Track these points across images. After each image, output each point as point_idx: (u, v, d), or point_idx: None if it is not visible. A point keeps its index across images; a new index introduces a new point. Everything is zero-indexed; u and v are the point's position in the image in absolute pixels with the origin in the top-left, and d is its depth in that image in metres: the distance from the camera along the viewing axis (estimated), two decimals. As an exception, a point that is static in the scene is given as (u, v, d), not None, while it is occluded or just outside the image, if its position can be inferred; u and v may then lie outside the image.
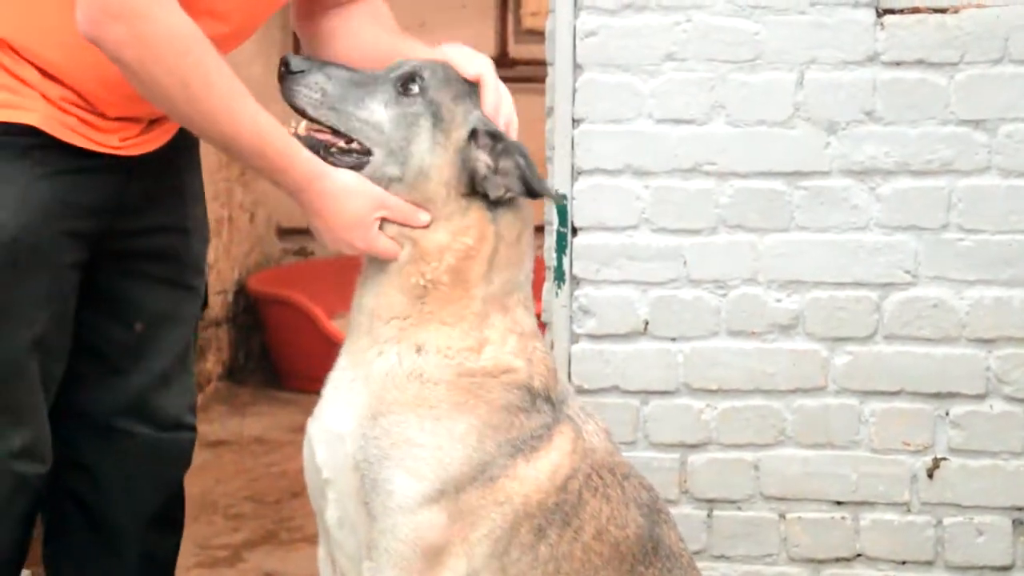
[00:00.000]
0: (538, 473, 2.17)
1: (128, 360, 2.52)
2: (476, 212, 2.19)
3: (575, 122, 3.34)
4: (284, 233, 6.84)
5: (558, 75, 3.33)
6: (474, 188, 2.19)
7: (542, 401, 2.20)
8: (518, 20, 6.82)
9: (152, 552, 2.60)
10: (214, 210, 5.57)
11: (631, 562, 2.24)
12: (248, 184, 6.41)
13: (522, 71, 5.91)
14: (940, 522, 3.33)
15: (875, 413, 3.33)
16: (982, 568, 3.33)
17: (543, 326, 3.29)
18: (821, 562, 3.38)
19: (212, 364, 6.06)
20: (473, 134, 2.20)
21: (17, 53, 2.27)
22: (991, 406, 3.30)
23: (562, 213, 3.34)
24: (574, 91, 3.33)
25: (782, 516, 3.37)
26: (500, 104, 2.25)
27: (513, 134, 2.24)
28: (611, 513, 2.23)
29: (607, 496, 2.23)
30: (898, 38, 3.26)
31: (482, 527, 2.14)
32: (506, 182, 2.19)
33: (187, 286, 2.56)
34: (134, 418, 2.53)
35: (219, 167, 5.80)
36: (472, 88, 2.24)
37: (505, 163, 2.19)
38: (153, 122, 2.40)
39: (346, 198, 2.16)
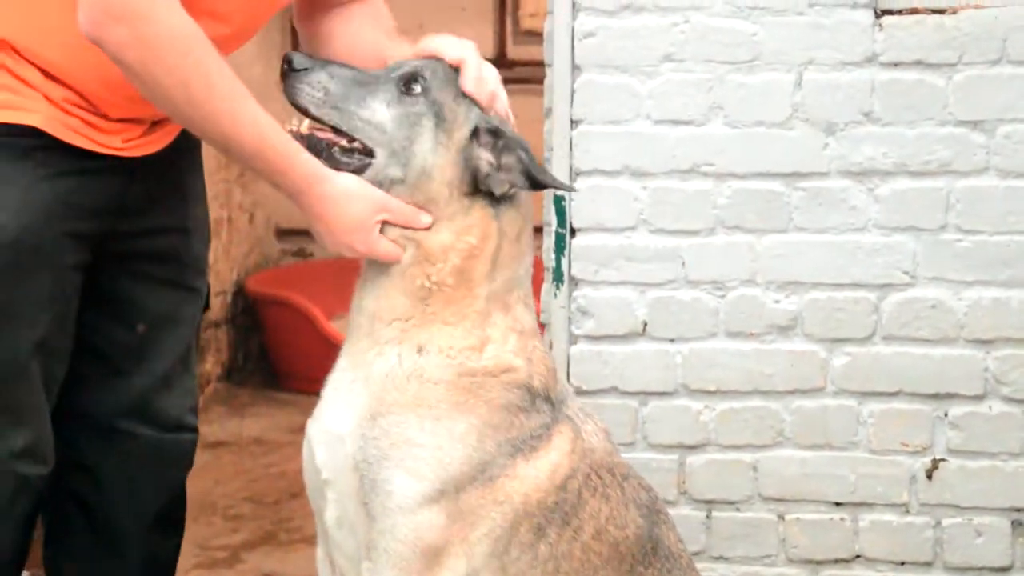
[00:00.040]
0: (538, 472, 2.17)
1: (130, 361, 2.52)
2: (479, 211, 2.19)
3: (573, 123, 3.34)
4: (283, 234, 6.84)
5: (556, 76, 3.33)
6: (476, 187, 2.19)
7: (541, 401, 2.21)
8: (516, 21, 6.82)
9: (154, 553, 2.61)
10: (213, 211, 5.55)
11: (630, 562, 2.24)
12: (247, 185, 6.41)
13: (520, 72, 5.91)
14: (939, 523, 3.34)
15: (874, 414, 3.33)
16: (981, 569, 3.33)
17: (542, 327, 3.29)
18: (820, 563, 3.38)
19: (211, 365, 6.06)
20: (475, 133, 2.20)
21: (19, 54, 2.27)
22: (990, 407, 3.31)
23: (560, 214, 3.34)
24: (572, 92, 3.33)
25: (781, 517, 3.37)
26: (482, 78, 2.23)
27: (501, 108, 2.23)
28: (610, 513, 2.23)
29: (606, 496, 2.23)
30: (896, 39, 3.27)
31: (482, 527, 2.14)
32: (510, 177, 2.19)
33: (189, 287, 2.56)
34: (136, 419, 2.53)
35: (218, 168, 5.80)
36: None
37: (507, 159, 2.19)
38: (156, 123, 2.40)
39: (347, 201, 2.16)
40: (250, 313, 6.44)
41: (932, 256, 3.29)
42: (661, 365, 3.36)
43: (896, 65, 3.27)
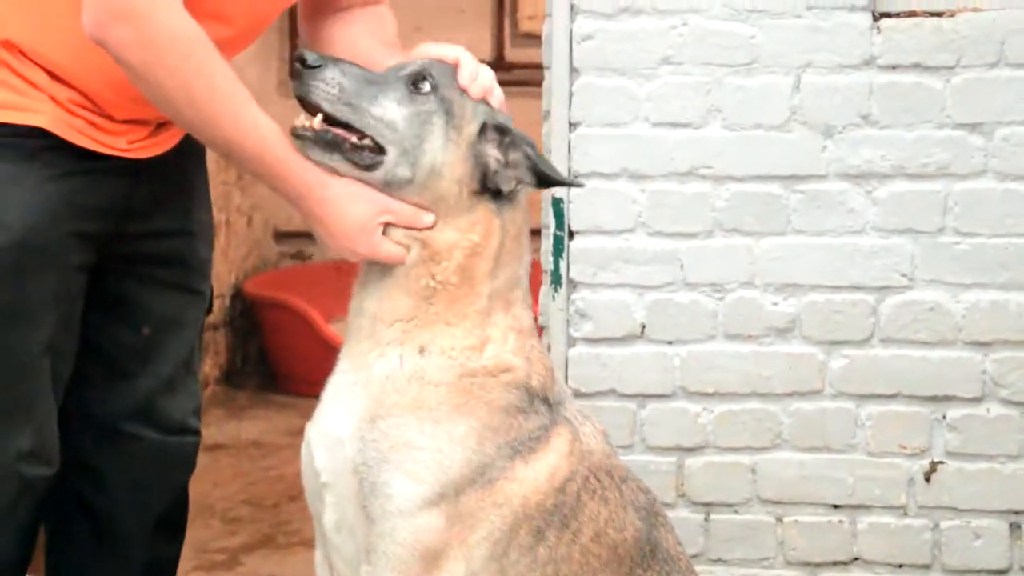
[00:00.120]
0: (536, 475, 2.17)
1: (135, 363, 2.52)
2: (482, 208, 2.19)
3: (572, 126, 3.34)
4: (281, 237, 6.84)
5: (555, 79, 3.33)
6: (483, 184, 2.19)
7: (539, 402, 2.20)
8: (515, 24, 6.82)
9: (156, 556, 2.61)
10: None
11: (629, 565, 2.24)
12: (245, 188, 6.41)
13: (519, 75, 5.91)
14: (937, 525, 3.34)
15: (872, 416, 3.34)
16: (979, 571, 3.33)
17: (540, 329, 3.29)
18: (818, 565, 3.38)
19: (209, 368, 6.06)
20: (482, 129, 2.20)
21: (25, 55, 2.28)
22: (988, 409, 3.31)
23: (559, 216, 3.34)
24: (571, 95, 3.33)
25: (779, 519, 3.37)
26: (478, 74, 2.23)
27: (496, 102, 2.24)
28: (609, 516, 2.23)
29: (605, 498, 2.23)
30: (894, 42, 3.27)
31: (480, 529, 2.14)
32: (516, 174, 2.19)
33: (193, 290, 2.56)
34: (140, 421, 2.53)
35: (217, 171, 5.79)
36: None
37: (514, 155, 2.19)
38: (161, 125, 2.41)
39: (348, 204, 2.15)
40: (248, 316, 6.44)
41: (930, 258, 3.29)
42: (659, 367, 3.36)
43: (894, 68, 3.28)
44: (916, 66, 3.27)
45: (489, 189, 2.19)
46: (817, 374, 3.34)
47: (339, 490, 2.18)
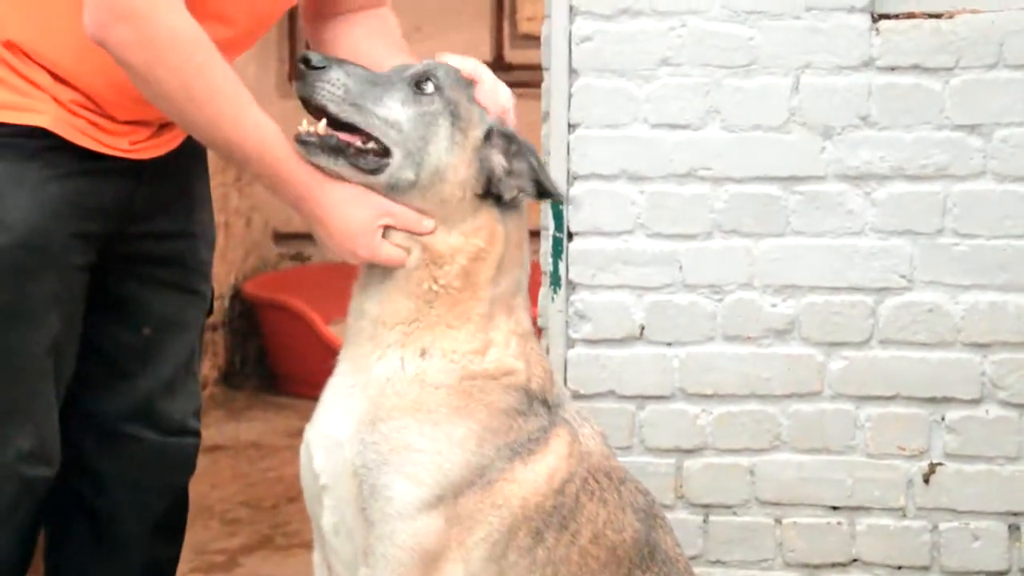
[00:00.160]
0: (536, 476, 2.17)
1: (136, 364, 2.52)
2: (486, 213, 2.19)
3: (571, 127, 3.34)
4: (280, 238, 6.84)
5: (554, 80, 3.33)
6: (487, 189, 2.19)
7: (538, 404, 2.21)
8: (514, 25, 6.82)
9: (155, 558, 2.61)
10: (210, 215, 5.57)
11: (628, 566, 2.24)
12: (244, 189, 6.42)
13: (518, 76, 5.87)
14: (936, 527, 3.34)
15: (871, 418, 3.33)
16: (978, 573, 3.33)
17: (539, 331, 3.29)
18: (817, 567, 3.38)
19: (208, 369, 6.06)
20: (488, 135, 2.19)
21: (28, 56, 2.28)
22: (986, 411, 3.31)
23: (558, 218, 3.34)
24: (570, 96, 3.33)
25: (778, 521, 3.37)
26: (497, 92, 2.24)
27: (511, 122, 2.24)
28: (608, 517, 2.23)
29: (604, 500, 2.23)
30: (893, 43, 3.27)
31: (479, 531, 2.14)
32: (519, 183, 2.19)
33: (194, 291, 2.57)
34: (141, 423, 2.53)
35: (215, 172, 5.76)
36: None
37: (519, 164, 2.19)
38: (163, 126, 2.41)
39: (348, 206, 2.15)
40: (247, 317, 6.45)
41: (929, 260, 3.29)
42: (658, 369, 3.36)
43: (893, 69, 3.28)
44: (915, 67, 3.27)
45: (492, 195, 2.19)
46: (816, 375, 3.34)
47: (338, 492, 2.17)
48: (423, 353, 2.17)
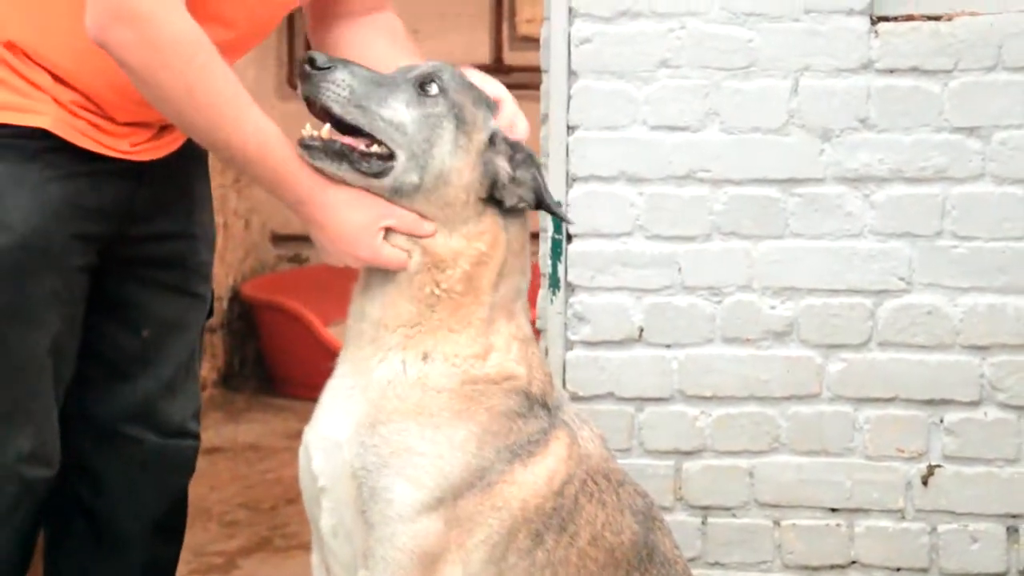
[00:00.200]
0: (535, 478, 2.17)
1: (136, 366, 2.52)
2: (489, 218, 2.19)
3: (570, 129, 3.34)
4: (279, 239, 6.85)
5: (553, 82, 3.33)
6: (490, 194, 2.18)
7: (539, 406, 2.20)
8: (513, 27, 6.82)
9: (155, 559, 2.61)
10: (209, 217, 5.57)
11: (627, 568, 2.24)
12: (243, 190, 6.42)
13: (517, 78, 5.88)
14: (934, 529, 3.34)
15: (869, 420, 3.34)
16: (976, 575, 3.33)
17: (538, 333, 3.29)
18: (815, 569, 3.38)
19: (207, 370, 6.06)
20: (492, 139, 2.19)
21: (29, 57, 2.28)
22: (985, 413, 3.31)
23: (557, 220, 3.34)
24: (569, 98, 3.33)
25: (776, 523, 3.37)
26: (516, 121, 2.24)
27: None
28: (607, 519, 2.23)
29: (603, 502, 2.23)
30: (892, 45, 3.27)
31: (479, 533, 2.14)
32: (520, 192, 2.19)
33: (194, 293, 2.56)
34: (140, 424, 2.53)
35: (213, 174, 5.78)
36: (484, 95, 2.23)
37: (523, 173, 2.19)
38: (164, 128, 2.41)
39: (349, 209, 2.15)
40: (246, 319, 6.45)
41: (928, 262, 3.29)
42: (657, 371, 3.36)
43: (892, 71, 3.28)
44: (914, 70, 3.27)
45: (495, 200, 2.19)
46: (815, 378, 3.34)
47: (337, 494, 2.17)
48: (425, 357, 2.17)
